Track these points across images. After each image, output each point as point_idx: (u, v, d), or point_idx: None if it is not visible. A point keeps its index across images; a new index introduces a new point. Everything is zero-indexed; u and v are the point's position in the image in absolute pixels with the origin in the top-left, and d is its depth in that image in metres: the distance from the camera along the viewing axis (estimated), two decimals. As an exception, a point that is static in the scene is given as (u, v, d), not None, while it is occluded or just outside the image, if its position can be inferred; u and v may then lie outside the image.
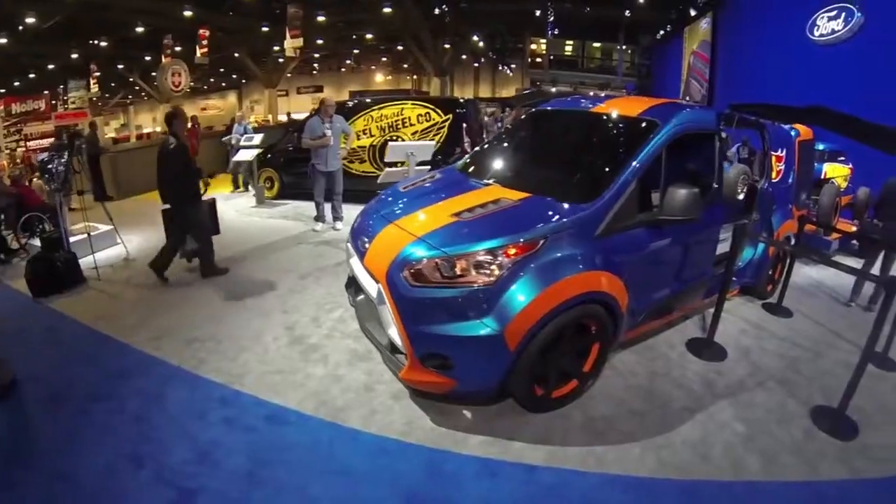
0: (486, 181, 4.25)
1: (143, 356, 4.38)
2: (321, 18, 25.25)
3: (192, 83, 33.94)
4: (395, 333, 3.37)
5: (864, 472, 3.27)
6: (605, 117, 4.62)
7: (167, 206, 5.95)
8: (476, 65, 42.06)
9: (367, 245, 3.76)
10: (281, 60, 32.67)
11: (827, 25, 12.10)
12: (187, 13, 21.69)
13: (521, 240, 3.28)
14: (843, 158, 9.45)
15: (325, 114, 7.92)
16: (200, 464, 3.11)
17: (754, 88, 16.16)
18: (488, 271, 3.16)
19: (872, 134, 4.44)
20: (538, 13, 26.28)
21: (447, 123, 9.76)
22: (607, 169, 3.87)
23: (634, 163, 3.76)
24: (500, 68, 40.39)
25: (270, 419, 3.48)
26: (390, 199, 4.42)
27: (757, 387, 4.20)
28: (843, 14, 11.56)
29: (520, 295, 3.14)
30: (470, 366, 3.27)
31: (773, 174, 5.78)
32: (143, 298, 5.61)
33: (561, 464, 3.23)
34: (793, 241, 5.83)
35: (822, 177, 8.66)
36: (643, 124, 4.12)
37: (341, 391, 3.80)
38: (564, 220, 3.46)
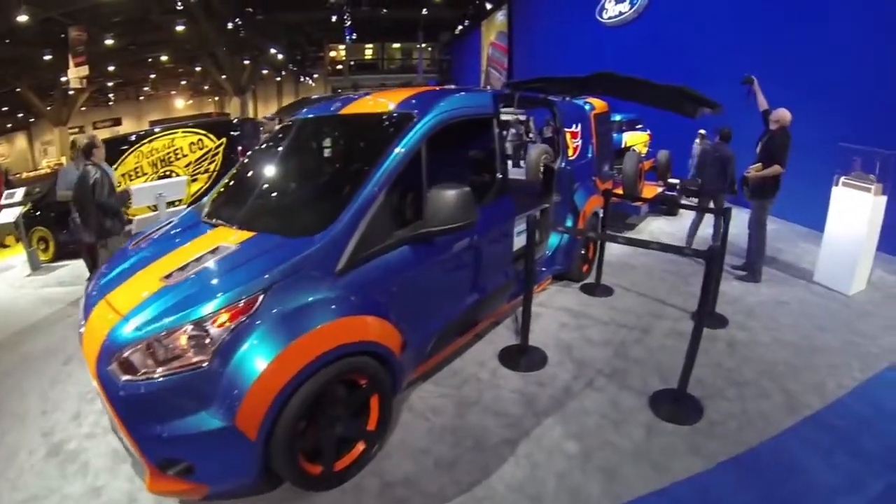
0: (214, 222, 3.31)
1: None
2: (109, 42, 22.57)
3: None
4: (124, 438, 2.53)
5: (717, 456, 2.91)
6: (353, 119, 3.79)
7: (91, 241, 5.46)
8: (278, 78, 40.22)
9: (82, 328, 2.81)
10: (71, 93, 28.71)
11: (615, 8, 12.77)
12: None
13: (232, 301, 2.46)
14: (640, 126, 9.72)
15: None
16: None
17: (550, 73, 16.68)
18: (200, 349, 2.38)
19: (665, 97, 4.12)
20: (334, 19, 25.47)
21: (221, 149, 8.62)
22: (345, 184, 3.07)
23: (379, 171, 2.96)
24: (303, 80, 39.11)
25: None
26: (114, 262, 3.32)
27: (586, 388, 3.58)
28: (630, -5, 12.12)
29: (245, 370, 2.37)
30: (212, 467, 2.47)
31: (570, 151, 5.39)
32: None
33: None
34: (601, 215, 5.44)
35: (623, 146, 8.64)
36: (395, 120, 3.38)
37: (101, 511, 2.80)
38: (289, 261, 2.64)
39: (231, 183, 3.93)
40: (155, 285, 2.63)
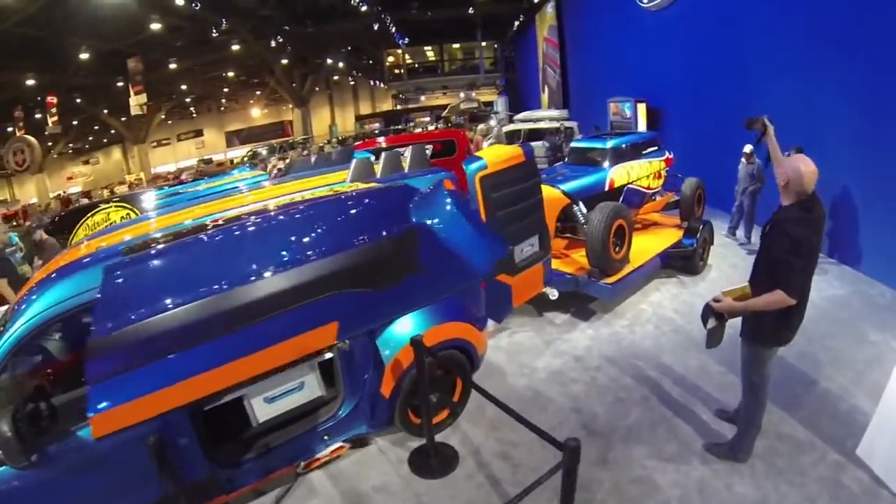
0: None
1: None
2: (173, 66, 23.75)
3: (70, 144, 33.24)
4: None
5: None
6: None
7: None
8: (352, 83, 39.99)
9: None
10: (143, 114, 30.40)
11: (654, -9, 11.29)
12: (30, 82, 19.32)
13: None
14: (653, 149, 6.95)
15: None
16: None
17: (598, 64, 15.68)
18: None
19: None
20: (376, 27, 24.11)
21: None
22: None
23: None
24: (373, 84, 38.73)
25: None
26: None
27: None
28: (669, -22, 10.58)
29: None
30: None
31: None
32: None
33: None
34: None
35: (607, 189, 6.01)
36: None
37: None
38: None
39: None
40: None
